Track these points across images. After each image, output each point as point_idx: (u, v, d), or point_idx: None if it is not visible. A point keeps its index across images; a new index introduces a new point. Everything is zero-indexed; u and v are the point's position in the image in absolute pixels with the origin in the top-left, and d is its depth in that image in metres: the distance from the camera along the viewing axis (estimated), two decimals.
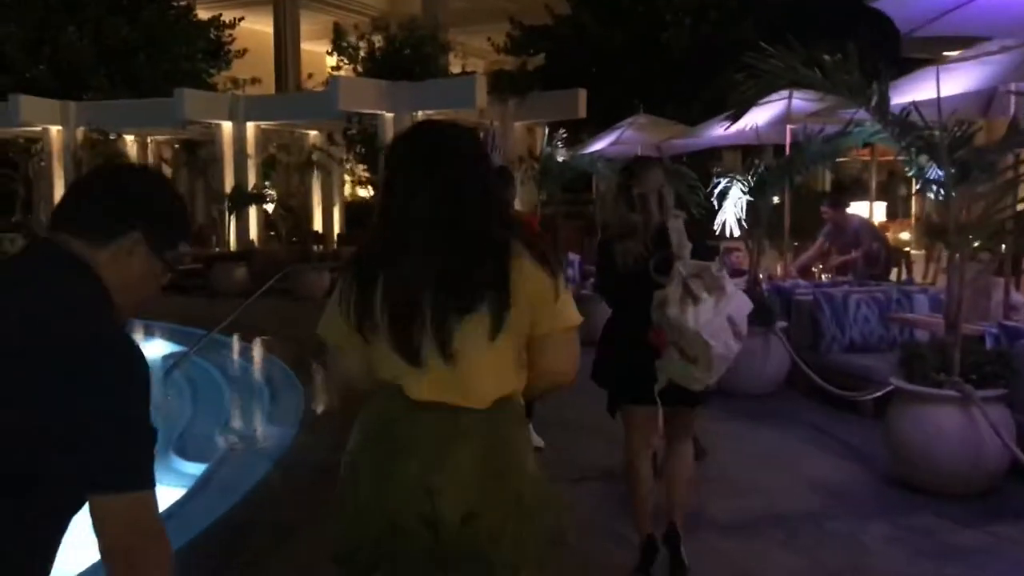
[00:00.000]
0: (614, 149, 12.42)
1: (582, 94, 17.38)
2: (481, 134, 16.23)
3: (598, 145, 12.47)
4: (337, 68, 19.50)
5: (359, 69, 18.85)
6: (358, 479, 2.04)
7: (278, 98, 20.02)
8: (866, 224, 9.74)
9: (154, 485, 1.55)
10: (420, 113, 16.59)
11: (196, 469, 5.86)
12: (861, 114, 6.22)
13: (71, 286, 1.59)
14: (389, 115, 16.49)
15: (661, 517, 3.94)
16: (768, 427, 6.51)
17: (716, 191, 8.33)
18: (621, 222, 3.84)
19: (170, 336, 10.57)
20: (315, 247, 18.19)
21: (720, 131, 9.63)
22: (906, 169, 5.75)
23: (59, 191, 19.55)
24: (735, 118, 5.71)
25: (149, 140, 21.76)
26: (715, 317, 3.47)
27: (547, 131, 13.52)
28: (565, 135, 13.02)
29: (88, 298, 1.60)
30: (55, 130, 19.39)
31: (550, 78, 19.41)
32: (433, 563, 1.99)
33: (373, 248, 2.06)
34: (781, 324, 7.30)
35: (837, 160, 10.97)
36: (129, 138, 21.06)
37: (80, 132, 19.33)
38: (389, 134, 16.56)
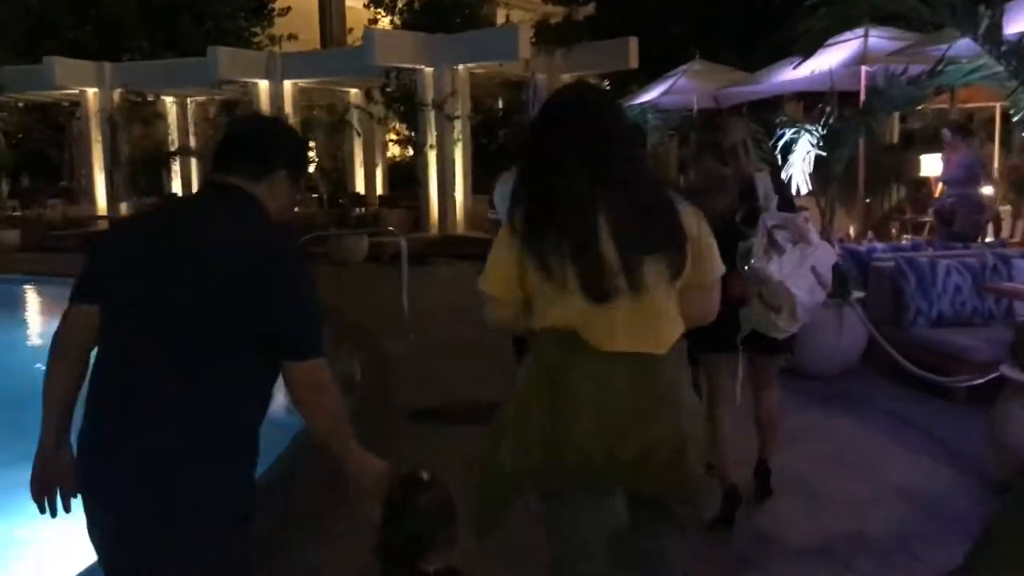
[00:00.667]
0: (667, 100, 11.46)
1: (633, 43, 16.29)
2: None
3: (649, 95, 11.51)
4: (374, 21, 18.67)
5: (397, 22, 18.01)
6: (532, 417, 2.22)
7: (312, 55, 19.23)
8: (972, 168, 8.54)
9: (325, 353, 2.10)
10: (461, 67, 15.76)
11: None
12: (957, 49, 5.27)
13: (243, 212, 2.12)
14: (428, 69, 15.64)
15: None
16: (844, 415, 5.64)
17: (780, 144, 7.37)
18: (708, 176, 3.79)
19: None
20: (357, 209, 17.53)
21: (784, 76, 8.67)
22: (1012, 111, 4.79)
23: (97, 154, 19.15)
24: (808, 52, 4.80)
25: (189, 101, 21.26)
26: (799, 267, 3.54)
27: (606, 83, 12.60)
28: (608, 85, 12.09)
29: (259, 219, 2.13)
30: (91, 92, 18.93)
31: (600, 27, 18.36)
32: (606, 494, 2.26)
33: (544, 204, 2.22)
34: (857, 294, 6.38)
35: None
36: (168, 99, 20.57)
37: (117, 94, 18.85)
38: (429, 90, 15.74)
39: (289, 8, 23.28)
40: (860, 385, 6.23)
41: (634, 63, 16.32)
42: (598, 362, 2.16)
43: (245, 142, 2.24)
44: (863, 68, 7.81)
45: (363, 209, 17.94)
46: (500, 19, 21.09)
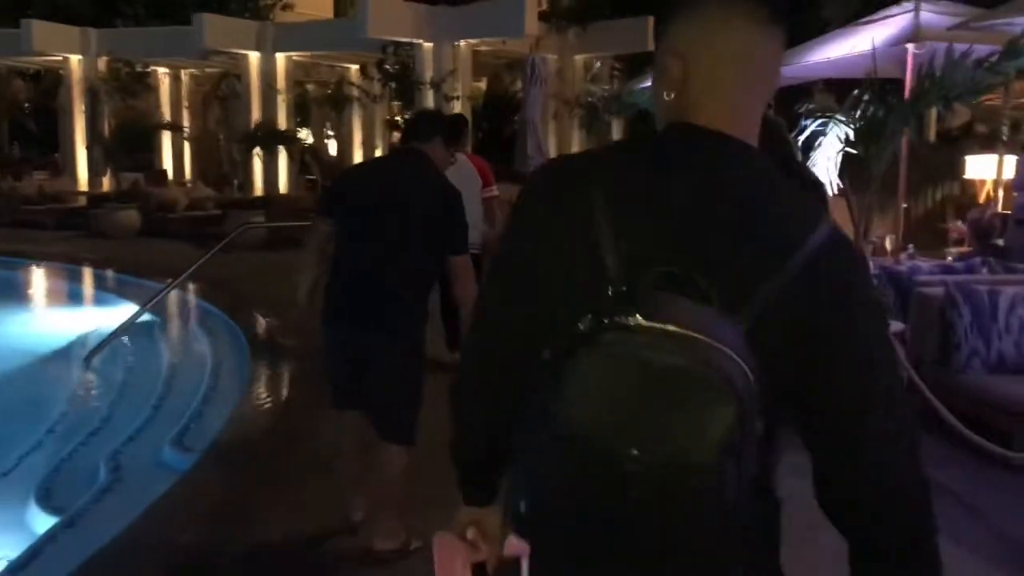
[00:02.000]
0: None
1: (652, 23, 14.96)
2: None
3: None
4: None
5: None
6: None
7: (306, 25, 17.97)
8: None
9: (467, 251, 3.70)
10: (463, 43, 14.53)
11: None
12: None
13: (420, 162, 3.62)
14: (428, 45, 14.41)
15: None
16: None
17: (802, 138, 6.08)
18: None
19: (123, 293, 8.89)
20: None
21: (816, 57, 7.38)
22: None
23: (79, 126, 18.09)
24: None
25: (183, 74, 20.14)
26: None
27: (597, 64, 11.31)
28: (599, 66, 10.82)
29: (430, 167, 3.64)
30: (75, 60, 17.87)
31: (619, 5, 17.00)
32: None
33: None
34: (896, 326, 5.14)
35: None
36: (161, 70, 19.47)
37: (103, 62, 17.76)
38: (428, 67, 14.53)
39: None
40: None
41: (652, 44, 14.99)
42: None
43: (417, 122, 3.96)
44: (909, 48, 6.53)
45: None
46: None
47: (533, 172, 1.32)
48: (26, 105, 21.51)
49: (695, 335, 0.99)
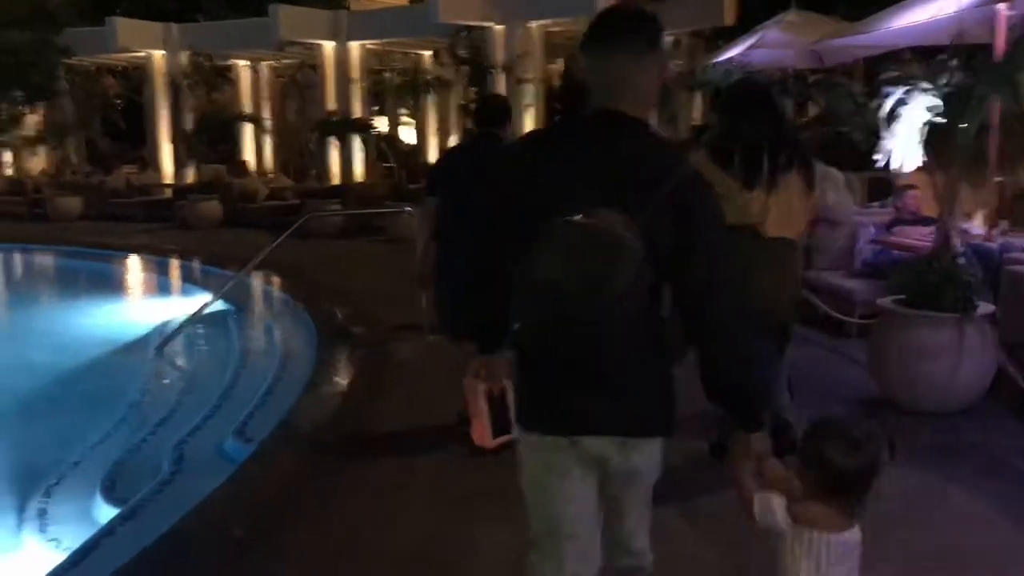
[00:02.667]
0: (759, 56, 9.80)
1: None
2: None
3: (733, 51, 9.87)
4: None
5: None
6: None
7: (379, 13, 18.03)
8: None
9: None
10: (534, 24, 14.36)
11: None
12: None
13: (498, 142, 4.45)
14: (499, 27, 14.28)
15: None
16: (963, 482, 4.06)
17: (884, 109, 5.69)
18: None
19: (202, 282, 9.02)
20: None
21: (900, 23, 6.99)
22: None
23: (164, 120, 18.53)
24: None
25: (263, 66, 20.44)
26: None
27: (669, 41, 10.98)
28: (671, 41, 10.45)
29: (498, 147, 4.40)
30: (158, 55, 18.28)
31: None
32: None
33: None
34: (985, 307, 4.80)
35: None
36: (241, 63, 19.78)
37: (185, 57, 18.14)
38: (499, 50, 14.39)
39: None
40: (987, 430, 4.65)
41: (731, 19, 14.54)
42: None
43: (493, 109, 4.73)
44: (1000, 9, 6.11)
45: None
46: None
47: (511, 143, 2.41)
48: (117, 101, 22.11)
49: (611, 226, 1.86)
